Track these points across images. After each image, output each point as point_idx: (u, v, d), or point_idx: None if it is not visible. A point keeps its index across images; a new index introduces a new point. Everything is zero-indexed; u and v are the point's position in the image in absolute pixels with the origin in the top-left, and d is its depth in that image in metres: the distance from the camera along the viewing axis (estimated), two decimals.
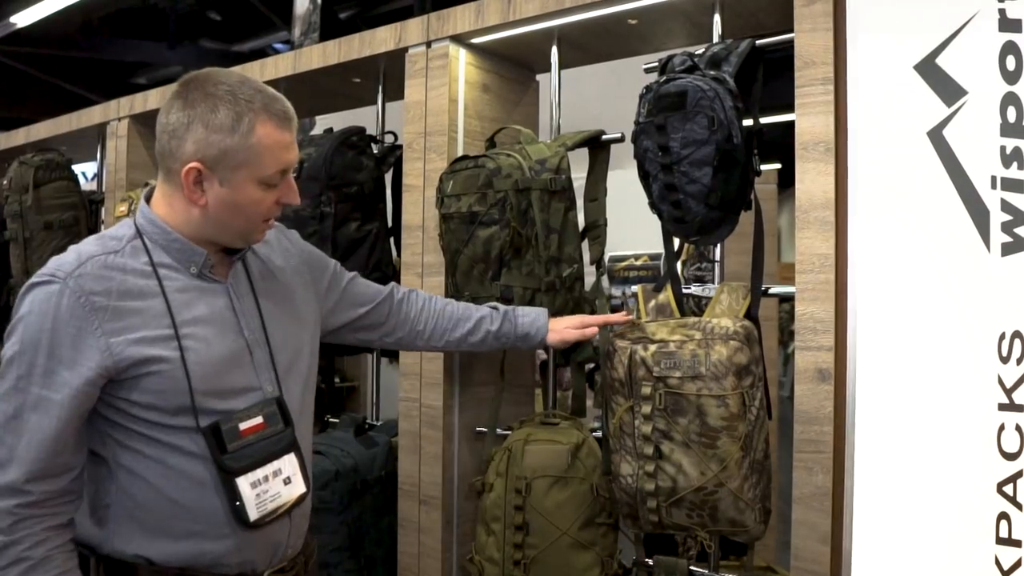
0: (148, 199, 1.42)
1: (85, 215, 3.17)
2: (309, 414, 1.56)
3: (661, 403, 1.64)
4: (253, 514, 1.36)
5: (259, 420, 1.40)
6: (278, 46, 8.01)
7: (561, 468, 1.91)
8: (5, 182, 3.09)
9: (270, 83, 2.55)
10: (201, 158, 1.31)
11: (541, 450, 1.94)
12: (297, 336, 1.53)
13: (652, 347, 1.66)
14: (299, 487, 1.44)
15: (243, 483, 1.36)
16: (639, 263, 4.56)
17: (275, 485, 1.40)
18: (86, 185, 3.54)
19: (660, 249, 1.86)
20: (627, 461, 1.71)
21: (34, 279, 1.31)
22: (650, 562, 1.86)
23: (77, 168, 3.27)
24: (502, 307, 1.84)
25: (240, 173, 1.33)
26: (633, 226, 2.91)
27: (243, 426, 1.38)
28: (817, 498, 1.59)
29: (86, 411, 1.31)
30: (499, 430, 2.11)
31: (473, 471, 2.14)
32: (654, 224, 1.81)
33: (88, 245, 1.35)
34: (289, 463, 1.43)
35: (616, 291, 4.41)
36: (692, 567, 1.84)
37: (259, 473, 1.38)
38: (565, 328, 1.84)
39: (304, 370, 1.53)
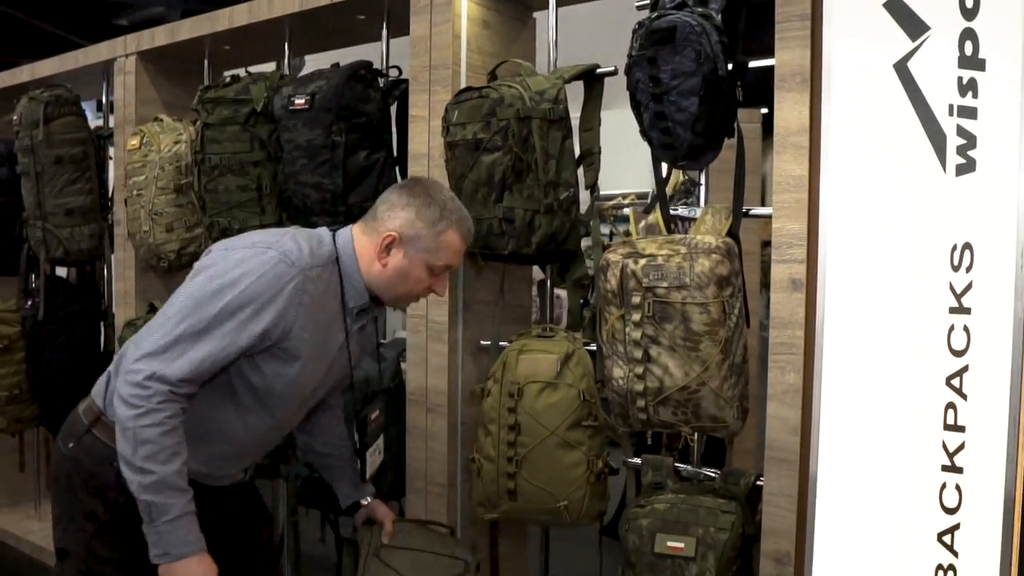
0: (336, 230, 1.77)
1: (94, 150, 3.27)
2: None
3: (650, 311, 1.80)
4: None
5: None
6: None
7: (551, 374, 2.07)
8: (16, 117, 3.16)
9: (276, 20, 2.66)
10: (400, 232, 1.71)
11: (533, 358, 2.10)
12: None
13: (642, 261, 1.81)
14: None
15: None
16: (627, 201, 4.70)
17: None
18: None
19: (648, 188, 2.02)
20: (618, 365, 1.88)
21: (273, 253, 1.62)
22: (638, 461, 2.05)
23: None
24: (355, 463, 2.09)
25: (420, 255, 1.73)
26: (623, 164, 3.04)
27: None
28: (789, 395, 1.77)
29: None
30: (501, 343, 2.27)
31: (475, 381, 2.29)
32: (643, 161, 1.95)
33: (312, 250, 1.68)
34: None
35: (604, 229, 4.53)
36: (676, 464, 2.03)
37: None
38: (371, 512, 2.07)
39: None
